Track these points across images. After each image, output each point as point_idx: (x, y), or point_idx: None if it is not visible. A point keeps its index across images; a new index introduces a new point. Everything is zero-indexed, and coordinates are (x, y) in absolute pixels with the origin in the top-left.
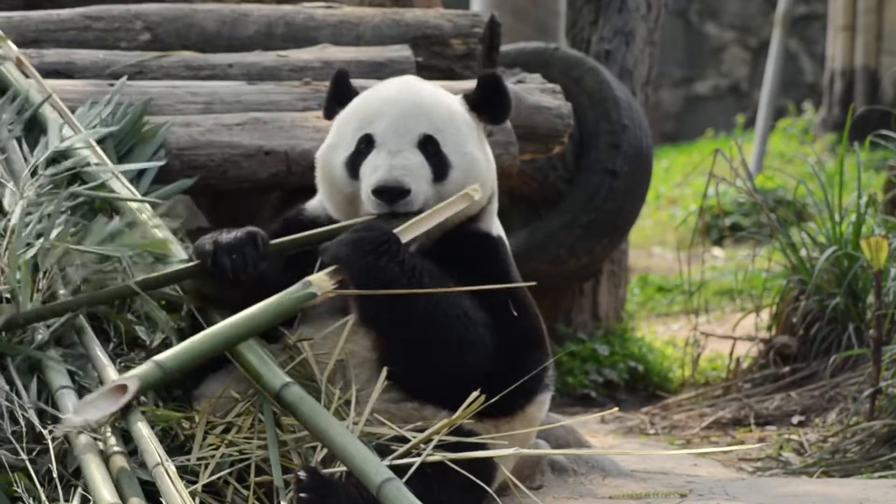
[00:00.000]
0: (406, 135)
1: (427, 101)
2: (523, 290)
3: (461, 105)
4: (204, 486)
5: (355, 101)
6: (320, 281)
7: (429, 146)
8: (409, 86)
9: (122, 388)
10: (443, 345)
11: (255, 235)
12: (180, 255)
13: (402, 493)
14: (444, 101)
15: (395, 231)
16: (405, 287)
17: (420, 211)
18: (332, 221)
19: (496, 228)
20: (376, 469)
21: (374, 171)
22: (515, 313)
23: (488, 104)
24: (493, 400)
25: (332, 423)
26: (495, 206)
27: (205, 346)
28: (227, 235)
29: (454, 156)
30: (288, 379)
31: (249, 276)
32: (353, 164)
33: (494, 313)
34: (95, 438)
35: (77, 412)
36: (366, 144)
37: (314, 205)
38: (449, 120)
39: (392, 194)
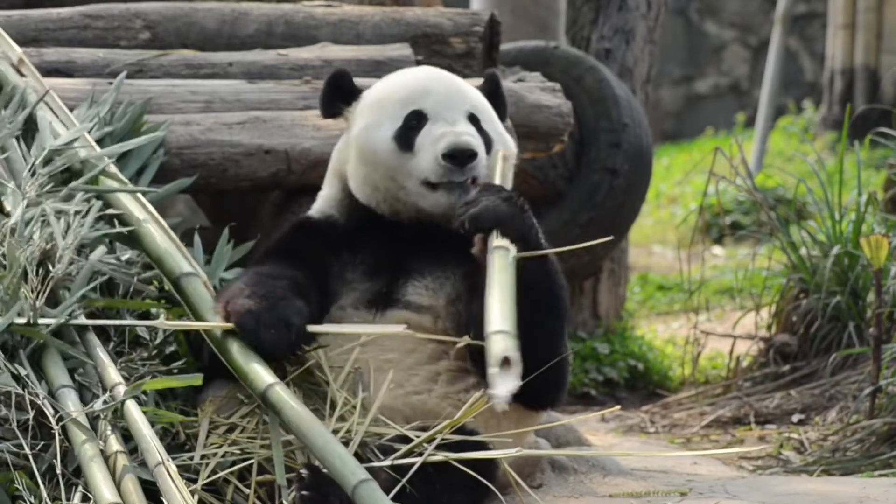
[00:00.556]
0: (457, 108)
1: (460, 83)
2: None
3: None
4: (205, 485)
5: (384, 86)
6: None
7: (474, 122)
8: (438, 70)
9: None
10: (564, 313)
11: (296, 316)
12: (183, 268)
13: (376, 495)
14: (469, 85)
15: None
16: (535, 238)
17: (477, 178)
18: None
19: None
20: (352, 470)
21: (439, 138)
22: None
23: (494, 100)
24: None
25: (313, 425)
26: None
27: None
28: (267, 314)
29: (493, 133)
30: (272, 380)
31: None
32: (405, 137)
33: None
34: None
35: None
36: (417, 119)
37: (322, 207)
38: (482, 101)
39: (464, 157)
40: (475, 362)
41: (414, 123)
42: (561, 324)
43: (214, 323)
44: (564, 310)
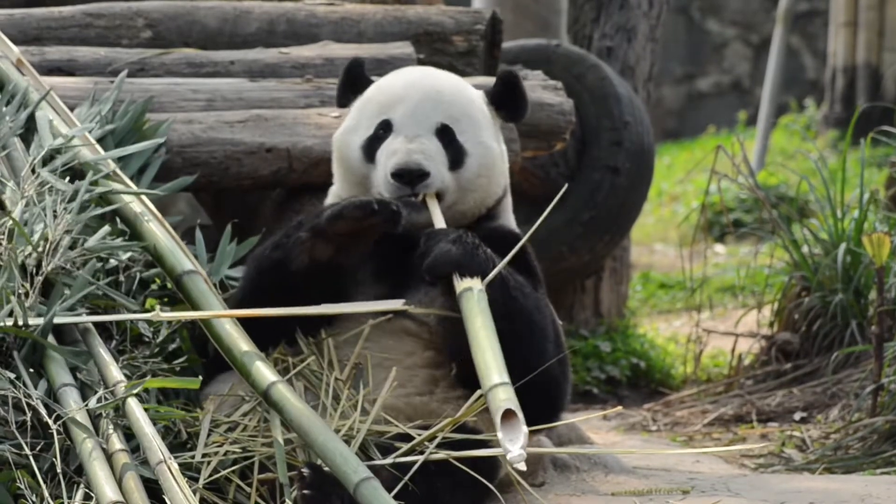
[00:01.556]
0: (424, 122)
1: (446, 90)
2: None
3: (480, 97)
4: (207, 483)
5: (374, 87)
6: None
7: (445, 135)
8: (429, 74)
9: (509, 413)
10: (538, 333)
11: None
12: (185, 266)
13: (378, 493)
14: (463, 90)
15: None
16: (503, 281)
17: (438, 194)
18: None
19: (514, 224)
20: (354, 468)
21: (392, 154)
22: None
23: (506, 101)
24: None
25: (314, 423)
26: (510, 200)
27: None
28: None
29: (469, 144)
30: (275, 378)
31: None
32: (370, 147)
33: (551, 321)
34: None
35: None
36: (384, 129)
37: (332, 202)
38: (466, 109)
39: (412, 176)
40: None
41: (381, 133)
42: (540, 340)
43: (211, 313)
44: (541, 326)
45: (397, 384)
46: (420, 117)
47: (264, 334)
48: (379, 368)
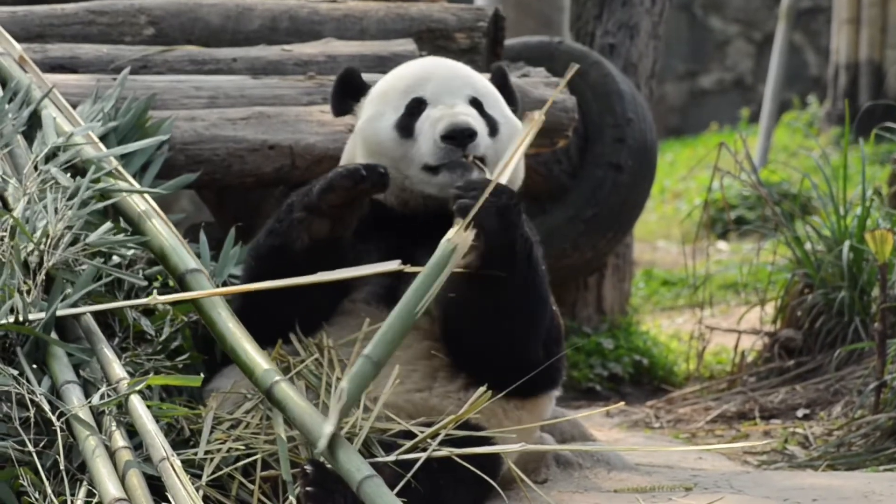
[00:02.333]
0: (458, 93)
1: (464, 69)
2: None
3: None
4: (210, 481)
5: (387, 79)
6: (461, 237)
7: (476, 106)
8: (443, 59)
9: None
10: (532, 314)
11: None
12: (189, 264)
13: (381, 491)
14: (475, 72)
15: (492, 177)
16: (520, 250)
17: (483, 158)
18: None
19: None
20: (357, 466)
21: (437, 121)
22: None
23: (503, 92)
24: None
25: (317, 420)
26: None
27: (399, 323)
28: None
29: (498, 116)
30: (278, 377)
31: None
32: (405, 124)
33: (546, 296)
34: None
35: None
36: (417, 106)
37: None
38: (488, 87)
39: (462, 136)
40: (453, 357)
41: (414, 111)
42: (529, 314)
43: (205, 292)
44: (530, 300)
45: (396, 381)
46: (453, 89)
47: (264, 330)
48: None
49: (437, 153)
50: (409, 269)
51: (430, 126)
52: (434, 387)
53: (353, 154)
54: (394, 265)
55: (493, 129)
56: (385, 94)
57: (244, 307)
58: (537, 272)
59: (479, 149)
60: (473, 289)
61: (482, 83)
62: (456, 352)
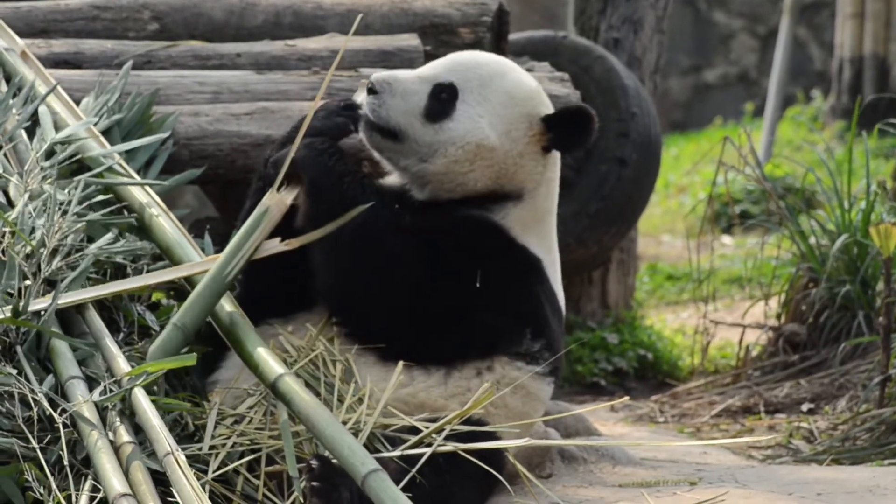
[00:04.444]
0: (434, 71)
1: (486, 66)
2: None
3: (530, 103)
4: (215, 476)
5: None
6: (275, 198)
7: (445, 91)
8: (489, 55)
9: None
10: (364, 266)
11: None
12: (192, 258)
13: (386, 485)
14: (508, 81)
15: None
16: (343, 193)
17: (393, 132)
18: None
19: (514, 230)
20: (363, 460)
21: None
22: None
23: (559, 128)
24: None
25: (322, 415)
26: (522, 214)
27: (209, 290)
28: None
29: (464, 116)
30: (282, 371)
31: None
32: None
33: (434, 266)
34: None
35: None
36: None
37: None
38: (486, 89)
39: (367, 89)
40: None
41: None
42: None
43: (195, 265)
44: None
45: (377, 378)
46: (436, 68)
47: (258, 312)
48: (363, 363)
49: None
50: (285, 247)
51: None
52: (414, 381)
53: None
54: (275, 242)
55: (436, 115)
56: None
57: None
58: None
59: (381, 109)
60: (313, 252)
61: (486, 83)
62: (351, 333)
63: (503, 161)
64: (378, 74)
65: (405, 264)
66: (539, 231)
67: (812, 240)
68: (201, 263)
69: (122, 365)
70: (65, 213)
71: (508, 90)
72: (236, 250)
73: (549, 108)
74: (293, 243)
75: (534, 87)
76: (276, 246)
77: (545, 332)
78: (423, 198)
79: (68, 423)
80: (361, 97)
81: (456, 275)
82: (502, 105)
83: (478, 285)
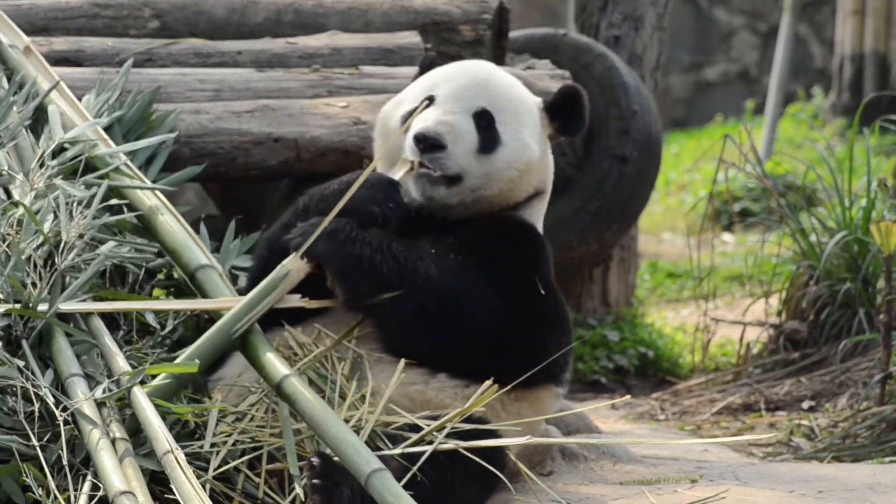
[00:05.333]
0: (464, 101)
1: (495, 80)
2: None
3: (534, 102)
4: (215, 474)
5: (431, 72)
6: (297, 264)
7: (483, 119)
8: (486, 65)
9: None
10: (429, 310)
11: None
12: (200, 260)
13: (389, 484)
14: (514, 87)
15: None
16: (382, 262)
17: (458, 177)
18: None
19: (535, 220)
20: (366, 459)
21: (423, 121)
22: (542, 291)
23: (562, 114)
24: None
25: (326, 415)
26: (542, 207)
27: (213, 341)
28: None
29: (507, 136)
30: (287, 371)
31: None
32: (408, 117)
33: (503, 287)
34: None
35: None
36: (427, 103)
37: None
38: (513, 104)
39: (426, 143)
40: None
41: (423, 107)
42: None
43: (214, 302)
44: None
45: (390, 375)
46: (462, 97)
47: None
48: (375, 361)
49: (410, 150)
50: (304, 304)
51: (415, 123)
52: (431, 381)
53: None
54: (296, 298)
55: (489, 145)
56: (416, 84)
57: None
58: (410, 264)
59: (446, 163)
60: (363, 314)
61: (508, 97)
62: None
63: (540, 165)
64: (429, 127)
65: (478, 299)
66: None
67: (813, 237)
68: (220, 301)
69: (122, 363)
70: (82, 210)
71: (521, 95)
72: (249, 308)
73: (536, 97)
74: (313, 304)
75: (518, 81)
76: (295, 301)
77: (570, 352)
78: (456, 217)
79: (70, 420)
80: (400, 174)
81: (531, 299)
82: (527, 113)
83: (542, 293)
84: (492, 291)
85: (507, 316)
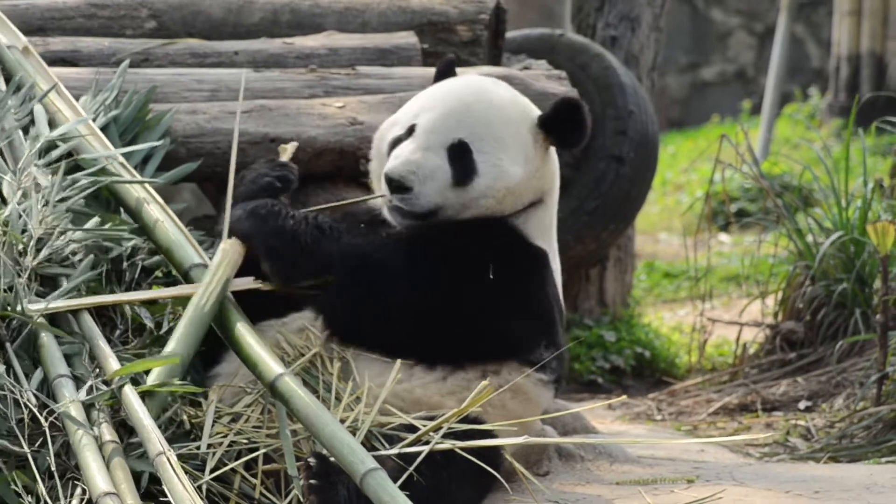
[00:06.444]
0: (441, 134)
1: (478, 106)
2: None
3: (526, 119)
4: (212, 475)
5: (429, 88)
6: (230, 243)
7: (459, 151)
8: (473, 87)
9: None
10: (356, 281)
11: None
12: (194, 259)
13: (385, 483)
14: (500, 109)
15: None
16: (304, 232)
17: (430, 212)
18: None
19: (532, 233)
20: (362, 459)
21: (395, 158)
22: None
23: (558, 127)
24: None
25: (320, 414)
26: (541, 214)
27: (192, 323)
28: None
29: (484, 165)
30: (281, 370)
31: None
32: (394, 146)
33: (435, 264)
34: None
35: None
36: (409, 133)
37: None
38: (494, 129)
39: (392, 185)
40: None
41: (405, 136)
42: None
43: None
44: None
45: (376, 374)
46: (439, 129)
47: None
48: (362, 360)
49: (384, 187)
50: (258, 285)
51: (389, 159)
52: (412, 378)
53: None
54: (249, 280)
55: (464, 178)
56: (411, 104)
57: None
58: (335, 234)
59: (415, 203)
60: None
61: (490, 123)
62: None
63: (528, 183)
64: (395, 169)
65: (419, 279)
66: (551, 228)
67: (809, 238)
68: (182, 288)
69: (113, 364)
70: (47, 202)
71: (507, 116)
72: (206, 285)
73: (534, 108)
74: (264, 286)
75: (514, 96)
76: (248, 283)
77: (556, 341)
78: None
79: (59, 423)
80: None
81: (475, 281)
82: (512, 136)
83: (496, 288)
84: (422, 268)
85: (433, 292)
